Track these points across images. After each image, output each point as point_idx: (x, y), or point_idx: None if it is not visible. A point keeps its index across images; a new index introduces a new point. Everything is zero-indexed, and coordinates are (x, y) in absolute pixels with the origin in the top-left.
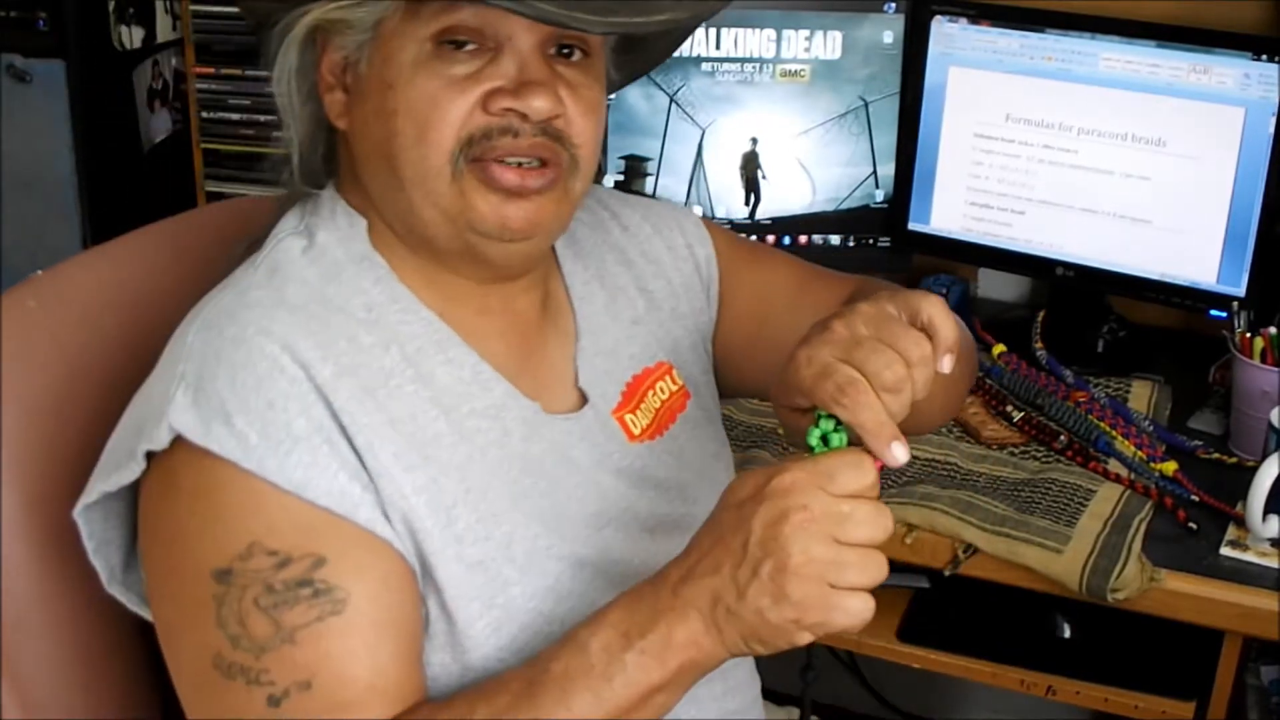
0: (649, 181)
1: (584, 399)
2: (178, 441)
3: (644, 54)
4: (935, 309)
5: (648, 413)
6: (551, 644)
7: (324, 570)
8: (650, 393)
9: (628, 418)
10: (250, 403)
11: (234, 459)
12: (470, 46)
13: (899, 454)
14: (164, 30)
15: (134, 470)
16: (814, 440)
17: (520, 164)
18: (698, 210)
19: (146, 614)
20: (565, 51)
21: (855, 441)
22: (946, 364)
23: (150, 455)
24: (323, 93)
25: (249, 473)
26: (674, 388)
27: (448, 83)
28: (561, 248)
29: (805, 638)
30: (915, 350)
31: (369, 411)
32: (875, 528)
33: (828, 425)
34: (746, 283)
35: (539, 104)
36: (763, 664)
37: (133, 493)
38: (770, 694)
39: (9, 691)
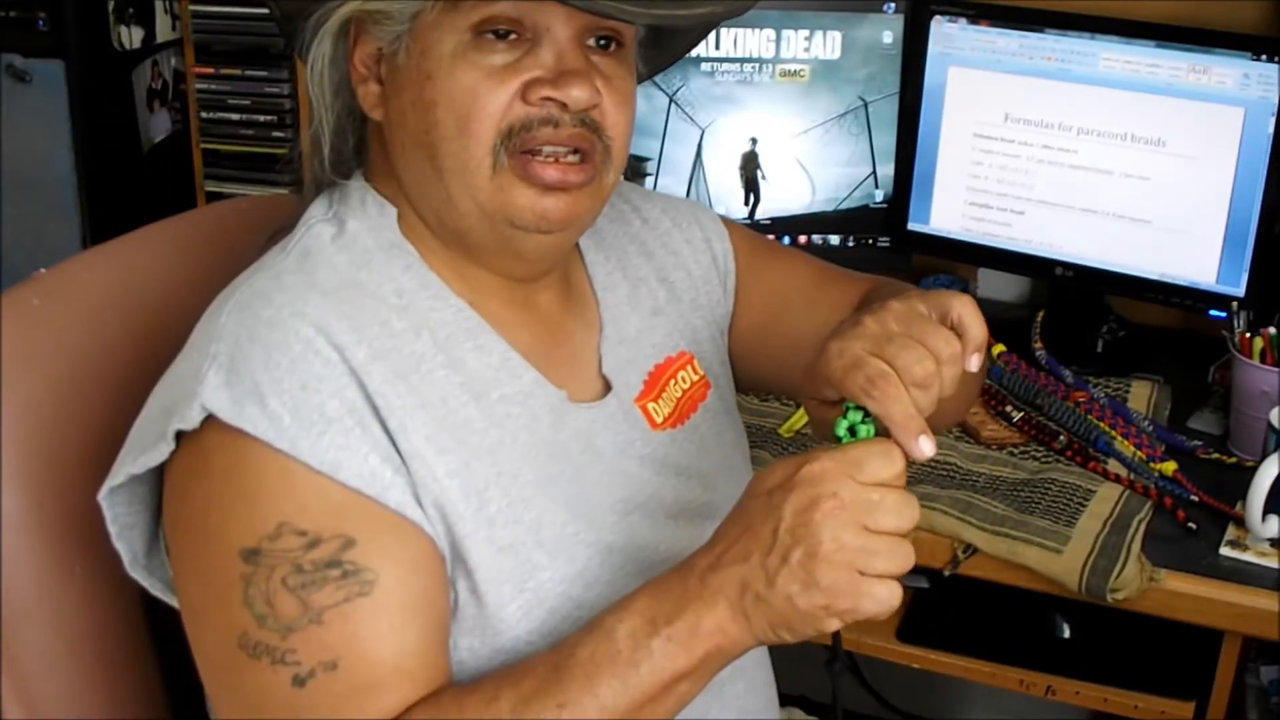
0: (649, 181)
1: (607, 387)
2: (209, 421)
3: (669, 48)
4: (966, 308)
5: (669, 401)
6: (577, 630)
7: (353, 551)
8: (672, 382)
9: (650, 406)
10: (284, 383)
11: (267, 439)
12: (510, 37)
13: (925, 448)
14: (164, 30)
15: (163, 451)
16: (842, 431)
17: (558, 158)
18: None
19: (169, 598)
20: (601, 43)
21: (882, 434)
22: (974, 362)
23: (179, 436)
24: (355, 84)
25: (281, 453)
26: (695, 377)
27: (487, 73)
28: (584, 239)
29: (834, 624)
30: (945, 348)
31: (402, 395)
32: (903, 517)
33: (855, 417)
34: (763, 278)
35: (578, 93)
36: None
37: (157, 476)
38: None
39: (10, 689)
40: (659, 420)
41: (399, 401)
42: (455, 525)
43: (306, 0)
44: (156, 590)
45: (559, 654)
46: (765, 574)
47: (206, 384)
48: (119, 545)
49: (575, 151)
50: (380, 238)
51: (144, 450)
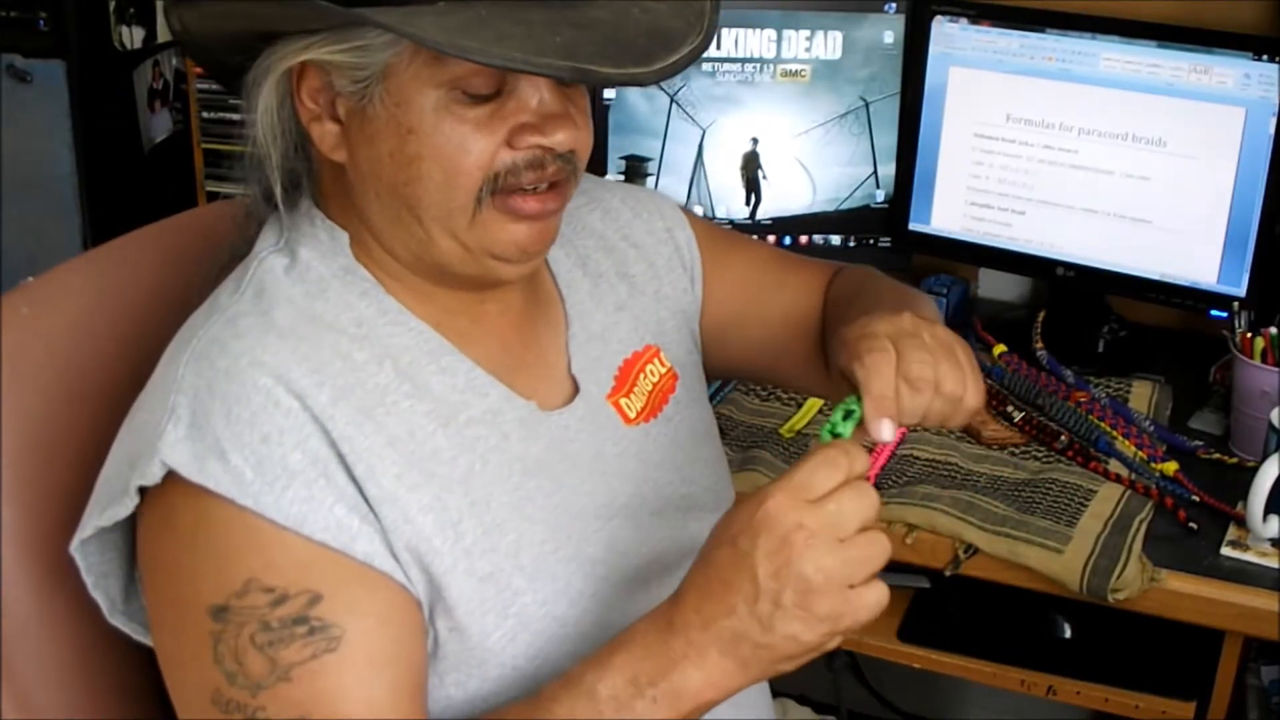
0: (649, 181)
1: (577, 387)
2: (171, 477)
3: None
4: (979, 403)
5: (641, 396)
6: (553, 682)
7: (320, 607)
8: (641, 376)
9: (622, 402)
10: (245, 437)
11: (230, 495)
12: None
13: (885, 431)
14: (164, 30)
15: (128, 505)
16: (824, 435)
17: (536, 188)
18: (699, 209)
19: (150, 641)
20: None
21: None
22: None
23: (144, 489)
24: (307, 122)
25: (245, 509)
26: (663, 370)
27: (474, 125)
28: None
29: (837, 642)
30: (950, 385)
31: (368, 434)
32: (864, 509)
33: (838, 416)
34: (730, 264)
35: (563, 137)
36: None
37: (129, 523)
38: None
39: (9, 700)
40: (632, 415)
41: (365, 443)
42: (433, 562)
43: (245, 35)
44: (138, 635)
45: (535, 708)
46: (759, 622)
47: (165, 439)
48: (96, 595)
49: (550, 183)
50: (333, 264)
51: (110, 503)
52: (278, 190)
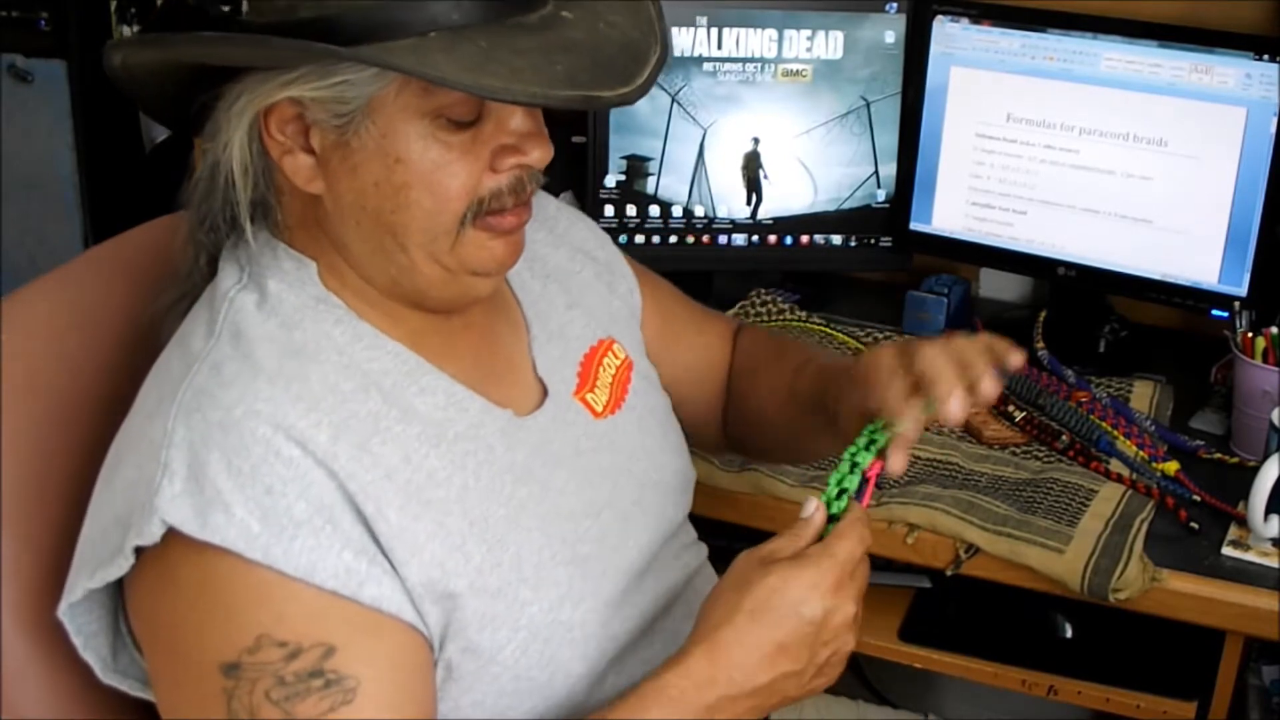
0: (650, 181)
1: (545, 389)
2: (171, 534)
3: None
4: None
5: (604, 389)
6: None
7: (334, 659)
8: (601, 369)
9: (589, 397)
10: (249, 489)
11: (237, 550)
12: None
13: (955, 409)
14: None
15: (122, 566)
16: (844, 461)
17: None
18: (700, 210)
19: (149, 696)
20: None
21: (858, 491)
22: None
23: (139, 549)
24: (276, 155)
25: (254, 563)
26: (618, 360)
27: (460, 151)
28: None
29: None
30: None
31: (368, 469)
32: (862, 572)
33: (861, 444)
34: (654, 286)
35: (539, 155)
36: None
37: (116, 582)
38: None
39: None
40: (599, 409)
41: (367, 476)
42: (447, 587)
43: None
44: (135, 691)
45: None
46: (801, 686)
47: (163, 496)
48: (86, 656)
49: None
50: (303, 293)
51: (100, 565)
52: (247, 225)
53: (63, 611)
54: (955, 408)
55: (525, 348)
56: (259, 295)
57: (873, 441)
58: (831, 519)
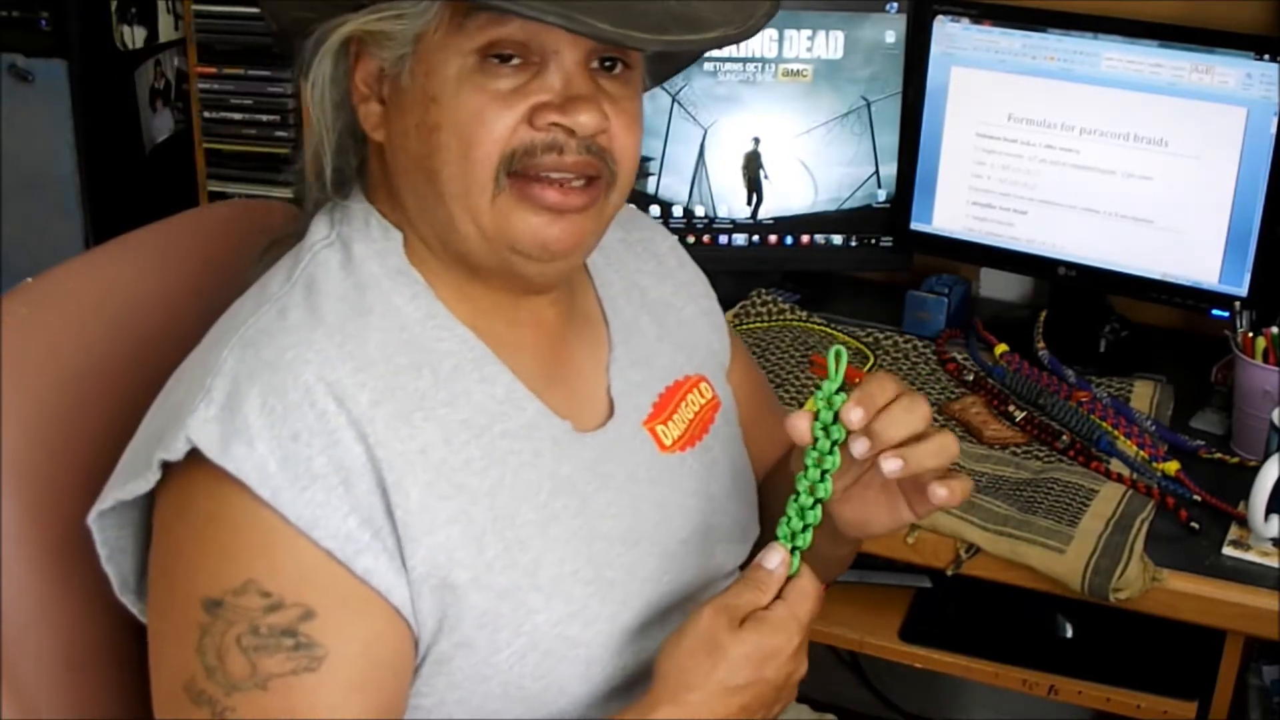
0: (651, 181)
1: (613, 409)
2: (196, 458)
3: (674, 62)
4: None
5: (680, 423)
6: None
7: (310, 624)
8: (683, 404)
9: (659, 428)
10: (276, 429)
11: (249, 483)
12: (515, 61)
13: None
14: (166, 30)
15: (149, 480)
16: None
17: (565, 184)
18: (700, 210)
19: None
20: (608, 64)
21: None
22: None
23: (167, 465)
24: (357, 103)
25: (261, 501)
26: (704, 399)
27: (493, 97)
28: (596, 259)
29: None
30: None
31: (404, 439)
32: (804, 608)
33: (796, 526)
34: (740, 352)
35: (586, 119)
36: None
37: (150, 500)
38: None
39: (9, 700)
40: (668, 442)
41: (400, 447)
42: (452, 574)
43: (307, 15)
44: (143, 615)
45: None
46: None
47: (196, 416)
48: (108, 569)
49: (582, 177)
50: (386, 264)
51: (132, 477)
52: (328, 169)
53: (92, 519)
54: (854, 412)
55: (603, 367)
56: (343, 255)
57: (824, 471)
58: (794, 550)
